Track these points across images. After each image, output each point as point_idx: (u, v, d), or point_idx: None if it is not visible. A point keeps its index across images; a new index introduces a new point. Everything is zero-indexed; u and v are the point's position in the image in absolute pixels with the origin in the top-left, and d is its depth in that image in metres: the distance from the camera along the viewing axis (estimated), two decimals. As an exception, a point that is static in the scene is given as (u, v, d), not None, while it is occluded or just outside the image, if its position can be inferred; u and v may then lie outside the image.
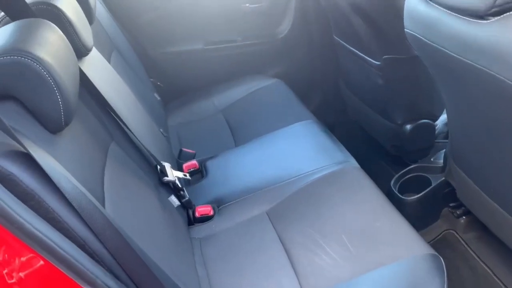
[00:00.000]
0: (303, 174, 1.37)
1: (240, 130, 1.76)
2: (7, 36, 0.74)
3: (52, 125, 0.76)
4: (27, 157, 0.61)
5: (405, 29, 1.21)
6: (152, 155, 1.20)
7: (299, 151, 1.48)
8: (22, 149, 0.62)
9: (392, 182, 1.74)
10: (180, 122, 1.93)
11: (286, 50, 2.17)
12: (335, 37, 1.93)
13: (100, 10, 1.69)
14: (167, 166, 1.25)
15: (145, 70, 1.90)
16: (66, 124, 0.78)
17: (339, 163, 1.39)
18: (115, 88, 1.28)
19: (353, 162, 1.41)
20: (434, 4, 1.03)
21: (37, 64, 0.71)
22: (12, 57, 0.69)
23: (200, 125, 1.89)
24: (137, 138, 1.16)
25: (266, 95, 1.95)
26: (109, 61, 1.53)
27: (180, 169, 1.53)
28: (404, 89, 1.65)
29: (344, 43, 1.83)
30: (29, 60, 0.70)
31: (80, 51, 1.08)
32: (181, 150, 1.58)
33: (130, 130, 1.14)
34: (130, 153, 1.13)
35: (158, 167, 1.22)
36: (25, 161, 0.61)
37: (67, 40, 0.87)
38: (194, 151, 1.59)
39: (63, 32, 0.96)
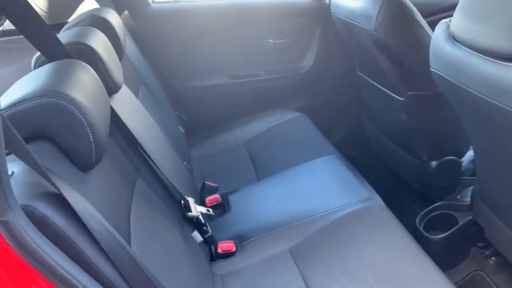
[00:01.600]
0: (327, 211, 1.35)
1: (262, 164, 1.77)
2: (44, 77, 0.77)
3: (83, 164, 0.78)
4: (59, 198, 0.62)
5: (430, 68, 1.21)
6: (176, 189, 1.21)
7: (323, 187, 1.47)
8: (55, 190, 0.63)
9: (417, 220, 1.70)
10: (202, 155, 1.95)
11: (308, 84, 2.19)
12: (358, 72, 1.94)
13: (129, 45, 1.74)
14: (191, 201, 1.25)
15: (170, 104, 1.94)
16: (97, 162, 0.80)
17: (364, 201, 1.38)
18: (143, 123, 1.31)
19: (378, 200, 1.39)
20: (461, 45, 1.03)
21: (71, 106, 0.73)
22: (48, 98, 0.72)
23: (222, 157, 1.90)
24: (162, 173, 1.18)
25: (289, 128, 1.96)
26: (137, 96, 1.57)
27: (203, 202, 1.53)
28: (429, 126, 1.63)
29: (368, 78, 1.84)
30: (64, 102, 0.72)
31: (111, 88, 1.11)
32: (204, 184, 1.58)
33: (156, 166, 1.16)
34: (156, 188, 1.14)
35: (182, 202, 1.23)
36: (58, 202, 0.62)
37: (99, 80, 0.90)
38: (216, 185, 1.59)
39: (95, 70, 0.99)
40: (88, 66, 0.90)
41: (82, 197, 0.71)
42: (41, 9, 1.73)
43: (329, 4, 2.04)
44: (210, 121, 2.13)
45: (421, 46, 1.46)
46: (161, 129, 1.52)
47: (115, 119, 1.07)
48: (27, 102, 0.72)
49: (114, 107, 1.11)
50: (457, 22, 1.03)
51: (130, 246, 0.82)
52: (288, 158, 1.73)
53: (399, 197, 1.96)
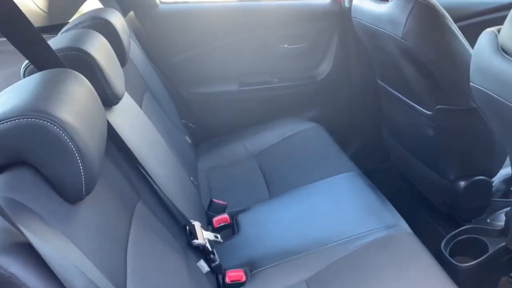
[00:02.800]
0: (348, 238, 1.22)
1: (274, 179, 1.64)
2: (26, 91, 0.65)
3: (70, 195, 0.66)
4: (31, 250, 0.49)
5: (470, 83, 1.07)
6: (181, 213, 1.08)
7: (343, 209, 1.34)
8: (27, 239, 0.50)
9: (442, 244, 1.56)
10: (210, 166, 1.82)
11: (324, 92, 2.06)
12: (379, 81, 1.81)
13: (134, 49, 1.62)
14: (197, 225, 1.13)
15: (177, 111, 1.82)
16: (87, 193, 0.67)
17: (389, 227, 1.24)
18: (145, 137, 1.19)
19: (404, 226, 1.25)
20: (513, 59, 0.89)
21: (57, 128, 0.60)
22: (29, 119, 0.59)
23: (231, 170, 1.77)
24: (166, 196, 1.05)
25: (303, 140, 1.83)
26: (141, 103, 1.45)
27: (210, 222, 1.40)
28: (459, 143, 1.49)
29: (390, 89, 1.70)
30: (48, 123, 0.60)
31: (111, 100, 0.99)
32: (211, 201, 1.45)
33: (158, 187, 1.03)
34: (158, 212, 1.02)
35: (187, 227, 1.10)
36: (29, 256, 0.49)
37: (95, 94, 0.78)
38: (225, 203, 1.46)
39: (93, 81, 0.87)
40: (82, 76, 0.77)
41: (65, 241, 0.58)
42: (41, 8, 1.62)
43: (349, 8, 1.92)
44: (218, 131, 2.01)
45: (454, 56, 1.33)
46: (167, 140, 1.40)
47: (113, 135, 0.94)
48: (3, 123, 0.60)
49: (113, 121, 0.98)
50: (509, 32, 0.89)
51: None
52: (303, 174, 1.59)
53: (421, 217, 1.82)
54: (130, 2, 1.85)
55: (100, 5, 1.74)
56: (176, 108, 1.84)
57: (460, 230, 1.57)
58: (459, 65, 1.34)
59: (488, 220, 1.57)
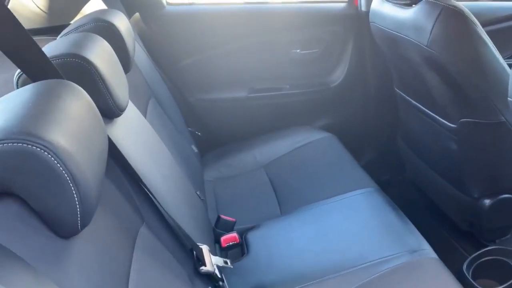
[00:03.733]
0: (368, 263, 1.12)
1: (285, 193, 1.54)
2: (15, 109, 0.55)
3: (64, 230, 0.56)
4: None
5: (509, 98, 0.98)
6: (187, 236, 0.99)
7: (362, 230, 1.24)
8: None
9: (465, 266, 1.46)
10: (217, 177, 1.73)
11: (338, 100, 1.96)
12: (396, 89, 1.71)
13: (139, 52, 1.53)
14: (205, 249, 1.03)
15: (183, 118, 1.72)
16: (84, 226, 0.58)
17: (413, 252, 1.14)
18: (150, 150, 1.09)
19: (429, 251, 1.15)
20: None
21: (48, 154, 0.51)
22: (15, 143, 0.50)
23: (239, 182, 1.68)
24: (171, 217, 0.95)
25: (316, 151, 1.73)
26: (145, 111, 1.36)
27: (217, 240, 1.31)
28: (485, 158, 1.40)
29: (409, 98, 1.61)
30: (37, 149, 0.51)
31: (113, 112, 0.89)
32: (219, 218, 1.36)
33: (163, 208, 0.94)
34: (163, 236, 0.92)
35: (194, 252, 1.00)
36: None
37: (95, 108, 0.68)
38: (234, 219, 1.36)
39: (93, 91, 0.78)
40: (80, 89, 0.67)
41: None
42: (41, 9, 1.53)
43: (366, 12, 1.82)
44: (226, 139, 1.91)
45: (484, 67, 1.23)
46: (172, 151, 1.30)
47: (114, 151, 0.85)
48: (-17, 148, 0.50)
49: (114, 135, 0.89)
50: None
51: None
52: (317, 188, 1.50)
53: (439, 234, 1.72)
54: (135, 3, 1.76)
55: (103, 6, 1.65)
56: (182, 115, 1.74)
57: (484, 251, 1.48)
58: (489, 76, 1.24)
59: (514, 241, 1.48)
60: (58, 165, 0.52)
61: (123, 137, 0.92)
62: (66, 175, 0.53)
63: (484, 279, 1.47)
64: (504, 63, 1.25)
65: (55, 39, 1.35)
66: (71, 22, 1.54)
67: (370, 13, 1.61)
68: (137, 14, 1.78)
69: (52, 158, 0.51)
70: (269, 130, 1.89)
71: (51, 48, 0.89)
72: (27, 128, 0.52)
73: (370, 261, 1.12)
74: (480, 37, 1.21)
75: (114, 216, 0.77)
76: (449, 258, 1.28)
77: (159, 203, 0.92)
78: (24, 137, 0.51)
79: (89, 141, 0.61)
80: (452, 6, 1.21)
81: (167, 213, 0.94)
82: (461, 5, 1.23)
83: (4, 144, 0.50)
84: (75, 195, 0.54)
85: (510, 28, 1.81)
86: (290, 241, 1.26)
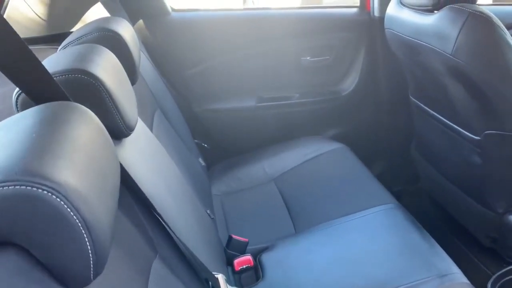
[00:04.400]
0: (394, 289, 1.04)
1: (299, 209, 1.46)
2: (16, 141, 0.47)
3: (74, 282, 0.48)
4: None
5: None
6: (203, 266, 0.91)
7: (386, 252, 1.16)
8: None
9: (489, 285, 1.39)
10: (225, 191, 1.65)
11: (349, 109, 1.89)
12: (412, 98, 1.63)
13: (143, 62, 1.45)
14: (221, 279, 0.95)
15: (189, 130, 1.64)
16: (96, 276, 0.50)
17: (442, 276, 1.06)
18: (160, 171, 1.01)
19: (459, 275, 1.08)
20: None
21: (56, 197, 0.43)
22: (17, 187, 0.42)
23: (249, 196, 1.60)
24: (186, 247, 0.87)
25: (329, 163, 1.65)
26: (151, 123, 1.28)
27: (230, 262, 1.23)
28: (511, 172, 1.32)
29: (428, 108, 1.53)
30: (44, 192, 0.42)
31: (122, 132, 0.81)
32: (230, 238, 1.28)
33: (178, 237, 0.86)
34: (177, 268, 0.84)
35: (210, 282, 0.92)
36: None
37: (106, 135, 0.60)
38: (246, 239, 1.28)
39: (101, 111, 0.70)
40: (89, 112, 0.59)
41: None
42: (40, 16, 1.45)
43: (379, 17, 1.75)
44: (234, 151, 1.83)
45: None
46: (180, 167, 1.22)
47: (124, 176, 0.76)
48: (-22, 191, 0.42)
49: (123, 157, 0.81)
50: None
51: None
52: (333, 204, 1.42)
53: (457, 250, 1.64)
54: (139, 10, 1.67)
55: (106, 13, 1.57)
56: (189, 126, 1.66)
57: (510, 269, 1.40)
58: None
59: (541, 260, 1.40)
60: (69, 210, 0.44)
61: (132, 159, 0.84)
62: (77, 220, 0.45)
63: (509, 298, 1.40)
64: (533, 72, 1.18)
65: (55, 48, 1.26)
66: (72, 30, 1.46)
67: (385, 19, 1.54)
68: (140, 21, 1.70)
69: (62, 202, 0.43)
70: (278, 141, 1.81)
71: (52, 62, 0.81)
72: (32, 166, 0.44)
73: (398, 287, 1.04)
74: (509, 45, 1.14)
75: (127, 251, 0.69)
76: (471, 276, 1.20)
77: (173, 232, 0.84)
78: (28, 178, 0.43)
79: (102, 174, 0.53)
80: (479, 12, 1.14)
81: (181, 242, 0.86)
82: (488, 10, 1.16)
83: (4, 188, 0.42)
84: (87, 242, 0.46)
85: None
86: (308, 264, 1.18)
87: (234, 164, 1.77)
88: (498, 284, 1.41)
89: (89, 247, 0.46)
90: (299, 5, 4.50)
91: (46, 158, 0.45)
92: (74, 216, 0.44)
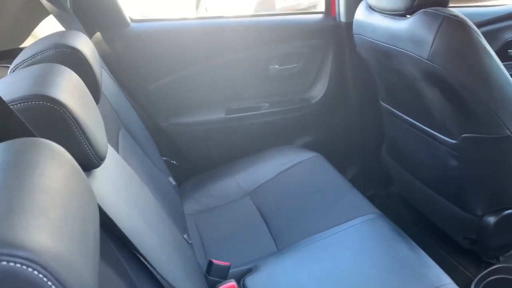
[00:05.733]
0: (389, 306, 1.00)
1: (278, 224, 1.40)
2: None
3: None
4: None
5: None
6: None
7: (375, 267, 1.12)
8: None
9: (473, 286, 1.39)
10: (198, 210, 1.56)
11: (320, 116, 1.85)
12: (383, 103, 1.62)
13: (105, 78, 1.34)
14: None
15: (156, 147, 1.54)
16: None
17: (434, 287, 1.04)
18: (134, 199, 0.92)
19: (452, 286, 1.05)
20: None
21: (33, 269, 0.34)
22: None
23: (224, 214, 1.52)
24: (168, 284, 0.79)
25: (304, 173, 1.60)
26: (117, 144, 1.18)
27: (211, 289, 1.15)
28: (489, 174, 1.32)
29: (400, 113, 1.52)
30: (17, 265, 0.34)
31: (92, 163, 0.71)
32: (210, 263, 1.19)
33: (161, 275, 0.77)
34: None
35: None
36: None
37: (81, 172, 0.51)
38: (228, 263, 1.20)
39: (68, 142, 0.61)
40: (60, 148, 0.50)
41: None
42: (-16, 32, 1.31)
43: (346, 23, 1.73)
44: (204, 165, 1.74)
45: (490, 79, 1.15)
46: (151, 190, 1.13)
47: (100, 217, 0.67)
48: None
49: (96, 192, 0.71)
50: None
51: None
52: (313, 217, 1.37)
53: (434, 251, 1.64)
54: (96, 21, 1.55)
55: (58, 25, 1.45)
56: (155, 142, 1.56)
57: (490, 270, 1.40)
58: (494, 89, 1.17)
59: (520, 258, 1.41)
60: (50, 283, 0.35)
61: (105, 192, 0.75)
62: None
63: (491, 299, 1.41)
64: (508, 75, 1.18)
65: (5, 66, 1.14)
66: (22, 45, 1.34)
67: (354, 25, 1.51)
68: (98, 34, 1.58)
69: (41, 275, 0.34)
70: (250, 153, 1.74)
71: (5, 87, 0.70)
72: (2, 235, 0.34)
73: (392, 304, 1.00)
74: (485, 48, 1.13)
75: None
76: (451, 278, 1.19)
77: (155, 269, 0.75)
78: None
79: (82, 224, 0.45)
80: (454, 16, 1.13)
81: (164, 279, 0.77)
82: (462, 14, 1.15)
83: None
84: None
85: (489, 33, 1.79)
86: (296, 285, 1.12)
87: (206, 179, 1.69)
88: (482, 285, 1.40)
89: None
90: (253, 10, 4.48)
91: (15, 218, 0.36)
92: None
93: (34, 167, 0.44)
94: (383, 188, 1.99)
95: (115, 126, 1.27)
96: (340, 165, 1.73)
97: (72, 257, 0.39)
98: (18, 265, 0.34)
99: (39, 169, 0.44)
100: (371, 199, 1.81)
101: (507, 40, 1.99)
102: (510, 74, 1.23)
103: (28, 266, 0.34)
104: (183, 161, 1.73)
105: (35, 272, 0.34)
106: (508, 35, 2.00)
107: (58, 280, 0.36)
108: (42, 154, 0.47)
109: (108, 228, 0.69)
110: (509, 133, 1.22)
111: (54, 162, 0.47)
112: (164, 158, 1.60)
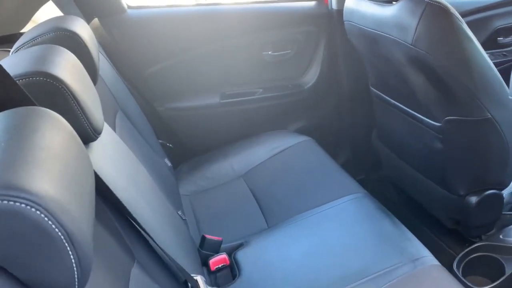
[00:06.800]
0: (370, 276, 1.06)
1: (269, 204, 1.46)
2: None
3: None
4: None
5: (510, 97, 0.94)
6: (181, 268, 0.88)
7: (359, 241, 1.18)
8: None
9: (455, 265, 1.45)
10: (193, 191, 1.62)
11: (312, 102, 1.90)
12: (372, 89, 1.67)
13: (102, 62, 1.39)
14: (200, 281, 0.93)
15: (153, 130, 1.60)
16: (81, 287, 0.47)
17: (414, 260, 1.10)
18: (129, 173, 0.97)
19: (431, 258, 1.12)
20: None
21: (36, 210, 0.40)
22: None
23: (218, 195, 1.58)
24: (163, 250, 0.85)
25: (296, 156, 1.66)
26: (114, 126, 1.24)
27: (205, 263, 1.21)
28: (471, 155, 1.38)
29: (389, 98, 1.57)
30: (22, 205, 0.39)
31: (89, 137, 0.77)
32: (204, 238, 1.25)
33: (154, 241, 0.83)
34: (155, 273, 0.81)
35: (189, 284, 0.90)
36: None
37: (77, 138, 0.57)
38: (220, 238, 1.27)
39: (67, 115, 0.66)
40: (58, 116, 0.56)
41: None
42: (-15, 17, 1.35)
43: (338, 10, 1.77)
44: (200, 149, 1.80)
45: (471, 64, 1.20)
46: (147, 169, 1.19)
47: (96, 184, 0.73)
48: None
49: (93, 163, 0.77)
50: None
51: None
52: (303, 197, 1.43)
53: (422, 233, 1.69)
54: (94, 8, 1.60)
55: (57, 11, 1.50)
56: (152, 126, 1.62)
57: (472, 248, 1.47)
58: (475, 73, 1.21)
59: (501, 236, 1.47)
60: (50, 222, 0.41)
61: (102, 164, 0.81)
62: (60, 234, 0.42)
63: (474, 276, 1.47)
64: (488, 59, 1.23)
65: (7, 51, 1.19)
66: (23, 31, 1.38)
67: (344, 12, 1.55)
68: (96, 20, 1.63)
69: (42, 215, 0.40)
70: (244, 137, 1.80)
71: (8, 65, 0.76)
72: (6, 177, 0.40)
73: (373, 274, 1.07)
74: (466, 34, 1.18)
75: (105, 262, 0.66)
76: (436, 257, 1.26)
77: (150, 237, 0.81)
78: (2, 191, 0.39)
79: (79, 181, 0.50)
80: (437, 2, 1.17)
81: (158, 246, 0.84)
82: (445, 1, 1.20)
83: None
84: (71, 256, 0.43)
85: (479, 20, 1.84)
86: (285, 258, 1.18)
87: (201, 162, 1.75)
88: (463, 263, 1.47)
89: (73, 261, 0.43)
90: None
91: (19, 168, 0.42)
92: (57, 229, 0.41)
93: (35, 130, 0.50)
94: (374, 172, 2.04)
95: (112, 108, 1.32)
96: (332, 150, 1.78)
97: (70, 205, 0.45)
98: (23, 205, 0.39)
99: (40, 132, 0.50)
100: (362, 183, 1.88)
101: (497, 28, 2.04)
102: (499, 62, 1.28)
103: (32, 207, 0.40)
104: (179, 144, 1.79)
105: (38, 212, 0.40)
106: (498, 23, 2.04)
107: (57, 221, 0.41)
108: (43, 120, 0.53)
109: (104, 194, 0.75)
110: (490, 116, 1.27)
111: (53, 127, 0.53)
112: (160, 141, 1.66)
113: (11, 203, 0.39)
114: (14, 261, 0.41)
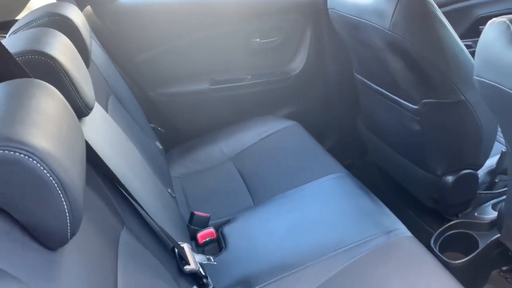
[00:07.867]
0: (346, 246, 1.14)
1: (256, 184, 1.53)
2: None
3: (53, 241, 0.52)
4: None
5: (475, 77, 1.01)
6: (169, 236, 0.95)
7: (338, 216, 1.25)
8: None
9: (432, 241, 1.52)
10: (184, 173, 1.69)
11: (299, 88, 1.97)
12: (356, 75, 1.74)
13: (94, 48, 1.45)
14: (187, 248, 1.00)
15: (144, 115, 1.66)
16: (73, 235, 0.54)
17: (388, 232, 1.17)
18: (120, 149, 1.04)
19: (404, 230, 1.19)
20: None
21: (33, 159, 0.46)
22: (-6, 151, 0.45)
23: (207, 176, 1.65)
24: (151, 218, 0.92)
25: (283, 140, 1.73)
26: (106, 109, 1.30)
27: (193, 237, 1.28)
28: (447, 136, 1.45)
29: (371, 83, 1.64)
30: (21, 155, 0.46)
31: (81, 112, 0.84)
32: (192, 214, 1.32)
33: (143, 208, 0.90)
34: (144, 238, 0.88)
35: (176, 250, 0.97)
36: None
37: (69, 108, 0.63)
38: (208, 215, 1.34)
39: (60, 90, 0.72)
40: (52, 87, 0.62)
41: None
42: (-18, 4, 1.41)
43: (323, -2, 1.83)
44: (190, 133, 1.86)
45: (444, 49, 1.27)
46: (138, 149, 1.25)
47: (88, 153, 0.79)
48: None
49: (86, 136, 0.84)
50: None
51: None
52: (287, 176, 1.50)
53: (403, 213, 1.77)
54: (86, -5, 1.66)
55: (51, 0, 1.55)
56: (143, 111, 1.68)
57: (448, 226, 1.54)
58: (449, 58, 1.28)
59: (475, 214, 1.55)
60: (45, 171, 0.47)
61: (94, 137, 0.87)
62: (54, 181, 0.48)
63: (451, 252, 1.55)
64: (461, 43, 1.30)
65: (3, 36, 1.25)
66: (17, 17, 1.44)
67: (328, 0, 1.62)
68: (88, 7, 1.69)
69: (38, 164, 0.47)
70: (233, 122, 1.86)
71: (7, 45, 0.82)
72: (7, 132, 0.47)
73: (349, 245, 1.14)
74: (440, 20, 1.24)
75: (96, 222, 0.72)
76: (416, 235, 1.33)
77: (139, 204, 0.88)
78: (4, 143, 0.46)
79: (70, 143, 0.57)
80: (412, -11, 1.24)
81: (147, 214, 0.90)
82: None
83: None
84: (64, 202, 0.50)
85: (462, 9, 1.90)
86: (268, 232, 1.26)
87: (191, 146, 1.81)
88: (440, 240, 1.54)
89: (65, 206, 0.50)
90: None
91: (18, 125, 0.49)
92: (51, 177, 0.48)
93: (32, 97, 0.56)
94: (360, 158, 2.11)
95: (104, 92, 1.38)
96: (318, 136, 1.85)
97: (62, 159, 0.51)
98: (22, 155, 0.46)
99: (35, 99, 0.56)
100: (349, 168, 1.95)
101: (479, 17, 2.11)
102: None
103: (29, 157, 0.46)
104: (170, 129, 1.85)
105: (34, 162, 0.47)
106: (480, 11, 2.11)
107: (51, 170, 0.48)
108: (38, 89, 0.59)
109: (95, 164, 0.82)
110: (463, 98, 1.34)
111: (48, 96, 0.60)
112: (151, 125, 1.72)
113: (12, 153, 0.46)
114: (13, 203, 0.48)
